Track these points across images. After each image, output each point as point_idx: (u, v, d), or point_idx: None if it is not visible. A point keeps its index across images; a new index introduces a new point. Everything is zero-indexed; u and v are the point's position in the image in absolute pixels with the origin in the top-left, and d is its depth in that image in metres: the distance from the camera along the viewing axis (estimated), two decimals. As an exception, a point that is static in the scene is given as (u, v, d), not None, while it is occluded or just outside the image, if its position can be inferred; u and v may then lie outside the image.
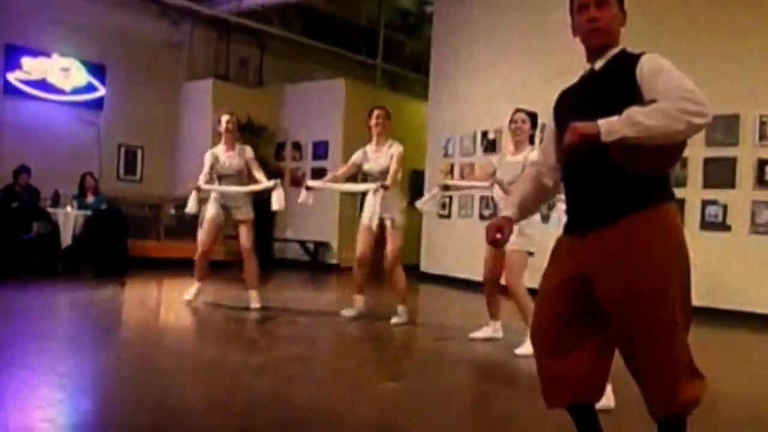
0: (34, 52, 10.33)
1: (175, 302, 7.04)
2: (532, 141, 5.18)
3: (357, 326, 5.97)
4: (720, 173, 7.62)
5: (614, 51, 2.24)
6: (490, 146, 9.61)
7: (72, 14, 10.62)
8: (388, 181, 5.86)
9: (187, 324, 6.00)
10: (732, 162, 7.58)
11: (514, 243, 4.43)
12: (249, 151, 6.59)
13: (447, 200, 10.15)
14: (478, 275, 7.56)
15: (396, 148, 6.04)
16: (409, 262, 7.70)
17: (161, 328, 5.96)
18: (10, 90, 10.14)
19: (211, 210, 6.46)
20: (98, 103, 11.11)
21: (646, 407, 2.15)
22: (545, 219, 5.27)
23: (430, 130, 11.13)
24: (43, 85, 10.43)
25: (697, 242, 5.39)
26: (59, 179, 9.81)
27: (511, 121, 5.15)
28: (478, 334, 5.44)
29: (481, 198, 9.51)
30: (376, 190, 5.84)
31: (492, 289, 5.30)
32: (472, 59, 10.10)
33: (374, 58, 14.27)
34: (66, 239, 8.77)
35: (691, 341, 2.14)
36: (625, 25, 2.26)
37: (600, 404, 2.45)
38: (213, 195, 6.48)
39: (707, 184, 7.71)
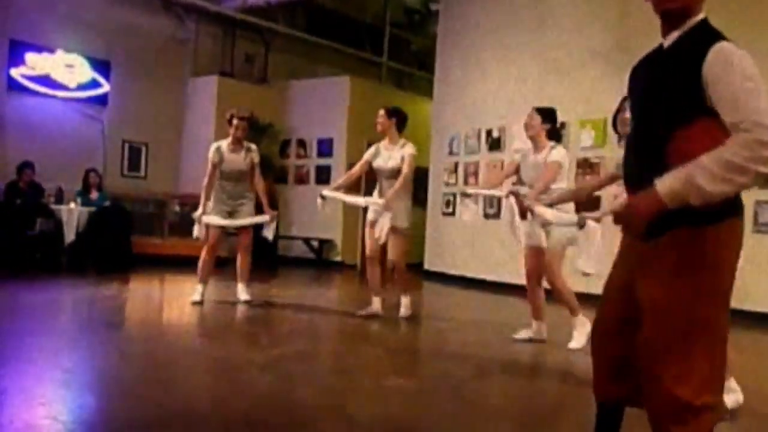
0: (39, 48, 10.30)
1: (178, 299, 7.04)
2: (551, 137, 5.10)
3: (362, 323, 5.95)
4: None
5: (692, 22, 1.88)
6: (495, 144, 9.58)
7: (77, 10, 10.61)
8: (397, 185, 5.80)
9: (190, 321, 5.99)
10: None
11: (546, 242, 4.82)
12: (256, 155, 6.60)
13: (451, 198, 10.15)
14: (482, 273, 7.51)
15: (408, 149, 5.94)
16: (413, 260, 7.67)
17: (165, 325, 5.96)
18: (14, 86, 10.11)
19: (214, 220, 6.44)
20: (102, 100, 11.09)
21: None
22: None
23: (434, 128, 11.09)
24: (47, 81, 10.39)
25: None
26: (63, 176, 9.82)
27: None
28: (521, 335, 5.32)
29: (484, 197, 9.45)
30: (382, 211, 5.76)
31: (534, 288, 5.21)
32: (478, 57, 10.06)
33: (380, 56, 14.26)
34: (69, 236, 8.78)
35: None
36: None
37: (730, 402, 2.67)
38: (215, 195, 6.47)
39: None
